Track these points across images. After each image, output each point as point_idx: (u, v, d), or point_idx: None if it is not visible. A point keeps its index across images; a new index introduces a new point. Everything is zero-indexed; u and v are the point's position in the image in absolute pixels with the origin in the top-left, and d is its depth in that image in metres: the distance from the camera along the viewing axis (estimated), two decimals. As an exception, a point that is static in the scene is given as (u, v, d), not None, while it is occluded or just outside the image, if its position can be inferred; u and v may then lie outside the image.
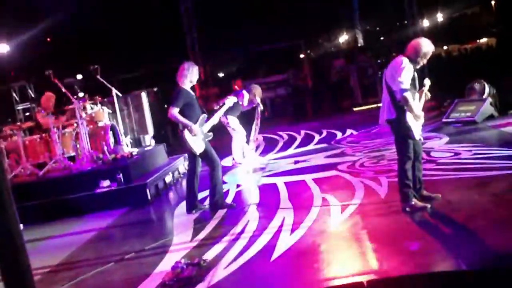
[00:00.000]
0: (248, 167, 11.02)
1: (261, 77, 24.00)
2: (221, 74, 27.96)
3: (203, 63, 22.55)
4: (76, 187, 9.35)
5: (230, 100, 7.95)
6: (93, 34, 19.92)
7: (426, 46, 5.90)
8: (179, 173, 11.13)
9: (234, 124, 11.09)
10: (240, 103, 10.96)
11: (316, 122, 17.37)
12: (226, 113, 10.91)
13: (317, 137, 13.64)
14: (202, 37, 22.07)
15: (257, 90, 11.22)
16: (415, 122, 5.91)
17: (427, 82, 6.14)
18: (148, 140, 12.74)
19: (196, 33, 22.21)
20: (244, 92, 11.13)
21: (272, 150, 12.71)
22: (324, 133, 14.21)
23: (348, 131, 13.59)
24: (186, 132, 7.23)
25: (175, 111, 7.17)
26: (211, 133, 7.54)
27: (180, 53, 21.25)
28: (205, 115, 7.52)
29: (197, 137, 7.27)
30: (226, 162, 11.79)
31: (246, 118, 11.81)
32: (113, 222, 8.26)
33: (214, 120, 7.64)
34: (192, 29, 22.45)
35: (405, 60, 5.84)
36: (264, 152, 12.73)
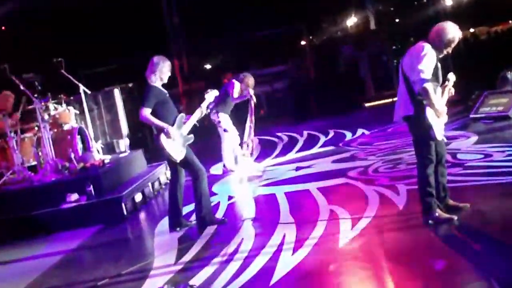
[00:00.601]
0: (241, 175, 11.02)
1: (255, 68, 24.00)
2: (208, 66, 27.96)
3: (186, 54, 22.59)
4: (39, 202, 9.30)
5: (211, 94, 7.93)
6: (56, 21, 19.86)
7: (452, 32, 5.91)
8: (160, 183, 11.12)
9: (226, 123, 11.09)
10: (229, 95, 10.96)
11: (321, 120, 17.39)
12: (217, 109, 10.92)
13: (322, 139, 13.66)
14: (185, 23, 22.09)
15: (250, 79, 11.22)
16: (437, 119, 5.90)
17: (451, 77, 6.14)
18: (123, 145, 12.73)
19: (177, 17, 22.23)
20: (235, 81, 11.14)
21: (270, 155, 12.72)
22: (331, 133, 14.23)
23: (359, 131, 13.62)
24: (162, 136, 7.22)
25: (146, 112, 7.19)
26: (191, 136, 7.51)
27: (159, 42, 21.26)
28: (183, 115, 7.51)
29: (175, 142, 7.26)
30: (216, 169, 11.78)
31: (237, 116, 11.82)
32: (83, 242, 8.22)
33: (194, 120, 7.62)
34: (172, 14, 22.48)
35: (426, 46, 5.85)
36: (261, 157, 12.72)
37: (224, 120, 11.08)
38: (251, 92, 11.14)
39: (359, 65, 21.12)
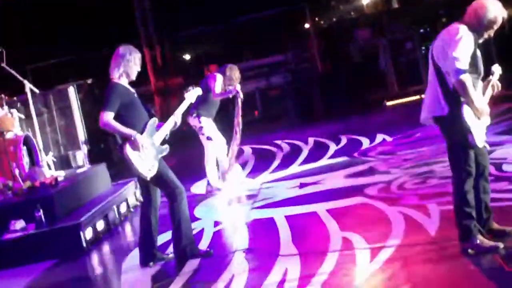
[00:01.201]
0: (230, 194, 11.01)
1: (247, 59, 24.04)
2: (187, 57, 27.99)
3: (159, 42, 22.60)
4: (-26, 232, 9.27)
5: (192, 93, 7.90)
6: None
7: (494, 11, 5.90)
8: (128, 206, 11.09)
9: (209, 129, 11.08)
10: (210, 91, 10.93)
11: (331, 124, 17.41)
12: (198, 112, 10.91)
13: (332, 147, 13.66)
14: (157, 6, 22.12)
15: (235, 71, 11.25)
16: (477, 121, 5.89)
17: (496, 69, 6.13)
18: (81, 158, 12.71)
19: (147, 1, 22.27)
20: (217, 74, 11.14)
21: (266, 168, 12.70)
22: (343, 140, 14.24)
23: (379, 137, 13.62)
24: (127, 147, 7.16)
25: (108, 117, 7.12)
26: (166, 147, 7.46)
27: (126, 30, 21.24)
28: (155, 120, 7.48)
29: (145, 153, 7.22)
30: (198, 188, 11.75)
31: (222, 117, 11.82)
32: (31, 283, 8.15)
33: (169, 126, 7.59)
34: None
35: (462, 29, 5.83)
36: (255, 171, 12.72)
37: (207, 125, 11.06)
38: (238, 87, 11.13)
39: (379, 54, 21.16)
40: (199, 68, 22.87)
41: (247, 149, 15.75)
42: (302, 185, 10.57)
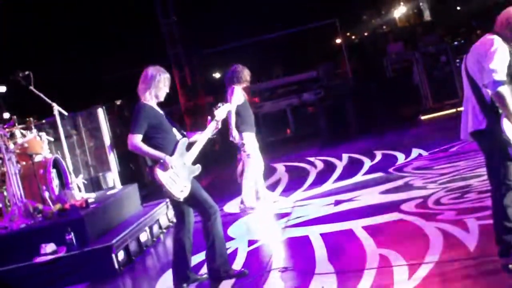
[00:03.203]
0: (264, 213, 11.03)
1: (277, 76, 24.09)
2: (217, 76, 28.10)
3: (188, 62, 22.70)
4: (5, 256, 9.33)
5: (222, 110, 7.90)
6: (23, 24, 20.07)
7: (524, 18, 5.91)
8: (160, 227, 11.13)
9: (251, 146, 11.13)
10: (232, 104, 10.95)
11: (365, 140, 17.35)
12: (239, 128, 10.97)
13: (367, 163, 13.62)
14: (185, 24, 22.23)
15: (245, 73, 11.28)
16: (517, 133, 5.86)
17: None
18: (111, 179, 12.78)
19: (174, 17, 22.36)
20: (235, 87, 11.14)
21: (300, 186, 12.69)
22: (378, 156, 14.18)
23: (415, 152, 13.56)
24: (158, 170, 7.19)
25: (137, 139, 7.16)
26: (197, 166, 7.51)
27: (154, 50, 21.39)
28: (185, 140, 7.51)
29: (176, 175, 7.24)
30: (231, 207, 11.77)
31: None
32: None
33: (200, 145, 7.62)
34: (169, 13, 22.62)
35: (496, 40, 5.82)
36: (288, 189, 12.71)
37: (249, 141, 11.10)
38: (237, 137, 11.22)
39: (412, 68, 21.07)
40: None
41: (280, 167, 15.74)
42: (337, 202, 10.54)
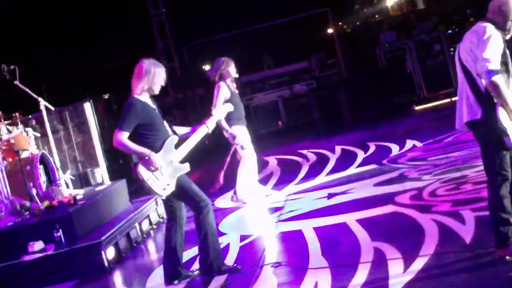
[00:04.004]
0: (256, 207, 11.04)
1: (268, 67, 24.05)
2: (207, 67, 28.03)
3: (177, 54, 22.66)
4: (-7, 255, 9.33)
5: (222, 111, 7.89)
6: (8, 16, 19.98)
7: (516, 4, 5.92)
8: (150, 223, 11.12)
9: (241, 137, 11.10)
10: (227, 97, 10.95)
11: (358, 131, 17.37)
12: (229, 122, 10.92)
13: (361, 155, 13.63)
14: (175, 15, 22.19)
15: (231, 65, 11.23)
16: (512, 123, 5.87)
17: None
18: (100, 175, 12.76)
19: (164, 9, 22.33)
20: (221, 84, 11.08)
21: (293, 179, 12.70)
22: (372, 148, 14.20)
23: (409, 143, 13.58)
24: (140, 167, 7.17)
25: (122, 137, 7.14)
26: (186, 165, 7.46)
27: (143, 41, 21.33)
28: (174, 138, 7.48)
29: (160, 172, 7.20)
30: (223, 201, 11.77)
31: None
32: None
33: (190, 146, 7.59)
34: (158, 4, 22.58)
35: (489, 28, 5.82)
36: (280, 182, 12.72)
37: (241, 134, 11.06)
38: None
39: (406, 57, 21.10)
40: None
41: (272, 160, 15.75)
42: (330, 196, 10.56)
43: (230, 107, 8.12)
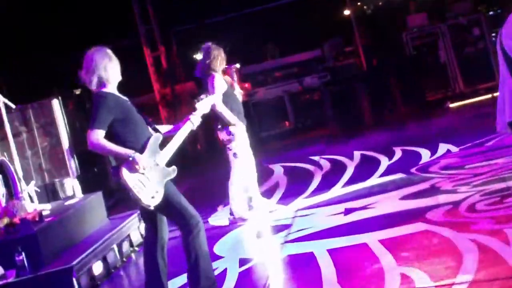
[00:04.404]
0: (259, 225, 11.06)
1: (272, 57, 24.04)
2: (199, 57, 28.08)
3: (163, 41, 22.66)
4: None
5: (206, 103, 7.92)
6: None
7: None
8: (131, 245, 11.14)
9: (239, 143, 11.13)
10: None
11: (381, 133, 17.39)
12: (223, 121, 10.93)
13: (384, 162, 13.64)
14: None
15: (219, 59, 11.26)
16: None
17: None
18: (70, 187, 12.77)
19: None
20: (215, 74, 11.11)
21: (302, 192, 12.70)
22: (398, 153, 14.21)
23: (442, 147, 13.59)
24: (124, 170, 7.18)
25: (98, 136, 7.14)
26: (173, 168, 7.49)
27: (123, 26, 21.34)
28: (159, 136, 7.51)
29: (147, 177, 7.22)
30: (218, 218, 11.78)
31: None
32: None
33: (175, 146, 7.61)
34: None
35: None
36: (288, 195, 12.74)
37: (238, 137, 11.06)
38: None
39: (438, 44, 21.10)
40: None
41: (278, 168, 15.77)
42: (347, 211, 10.57)
43: (215, 98, 8.15)
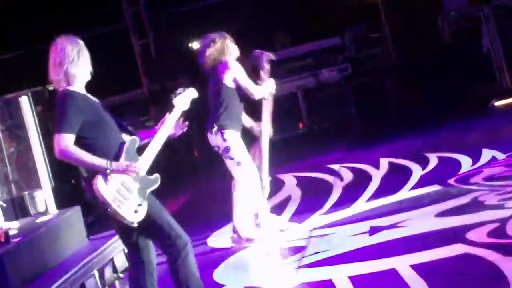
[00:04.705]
0: (267, 247, 11.09)
1: (282, 45, 24.06)
2: (195, 46, 28.11)
3: (152, 26, 22.70)
4: None
5: (184, 97, 7.95)
6: None
7: None
8: (115, 270, 11.17)
9: (238, 149, 11.11)
10: (229, 84, 11.01)
11: (413, 137, 17.41)
12: (219, 123, 10.92)
13: (417, 172, 13.66)
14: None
15: (231, 47, 11.29)
16: None
17: None
18: (42, 201, 12.79)
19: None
20: (227, 59, 11.14)
21: (319, 207, 12.72)
22: (432, 161, 14.22)
23: (486, 154, 13.59)
24: (99, 182, 7.14)
25: (67, 142, 7.10)
26: (155, 177, 7.50)
27: (106, 9, 21.40)
28: (135, 139, 7.52)
29: (127, 189, 7.20)
30: (218, 239, 11.80)
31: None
32: None
33: (154, 149, 7.60)
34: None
35: None
36: (302, 211, 12.78)
37: (236, 143, 11.06)
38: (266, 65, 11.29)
39: (481, 31, 21.11)
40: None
41: (289, 178, 15.80)
42: (373, 231, 10.57)
43: (193, 93, 8.17)
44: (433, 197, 11.63)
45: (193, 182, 15.39)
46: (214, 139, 11.05)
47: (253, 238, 11.28)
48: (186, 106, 7.96)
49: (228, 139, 10.98)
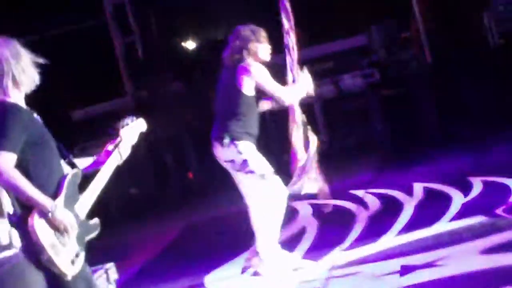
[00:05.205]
0: (278, 286, 11.15)
1: (297, 47, 24.12)
2: (190, 45, 28.24)
3: (138, 21, 22.77)
4: None
5: (131, 129, 7.93)
6: None
7: None
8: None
9: (256, 159, 11.22)
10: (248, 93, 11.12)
11: (453, 158, 17.45)
12: (231, 134, 10.97)
13: (457, 200, 13.69)
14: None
15: (261, 33, 11.70)
16: None
17: None
18: (5, 232, 12.87)
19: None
20: (248, 63, 11.23)
21: (340, 242, 12.77)
22: (477, 186, 14.25)
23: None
24: (36, 223, 6.85)
25: (9, 162, 6.77)
26: (95, 222, 7.36)
27: (81, 7, 21.55)
28: (78, 173, 7.33)
29: (65, 234, 7.10)
30: (219, 279, 11.88)
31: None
32: None
33: (99, 184, 7.54)
34: None
35: None
36: (319, 246, 12.84)
37: (253, 154, 11.20)
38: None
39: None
40: (215, 63, 22.94)
41: (305, 207, 15.84)
42: (404, 270, 10.61)
43: (142, 125, 8.18)
44: (477, 230, 11.62)
45: (190, 211, 15.46)
46: (225, 152, 11.08)
47: (261, 273, 11.30)
48: (134, 139, 7.90)
49: (244, 151, 11.06)
